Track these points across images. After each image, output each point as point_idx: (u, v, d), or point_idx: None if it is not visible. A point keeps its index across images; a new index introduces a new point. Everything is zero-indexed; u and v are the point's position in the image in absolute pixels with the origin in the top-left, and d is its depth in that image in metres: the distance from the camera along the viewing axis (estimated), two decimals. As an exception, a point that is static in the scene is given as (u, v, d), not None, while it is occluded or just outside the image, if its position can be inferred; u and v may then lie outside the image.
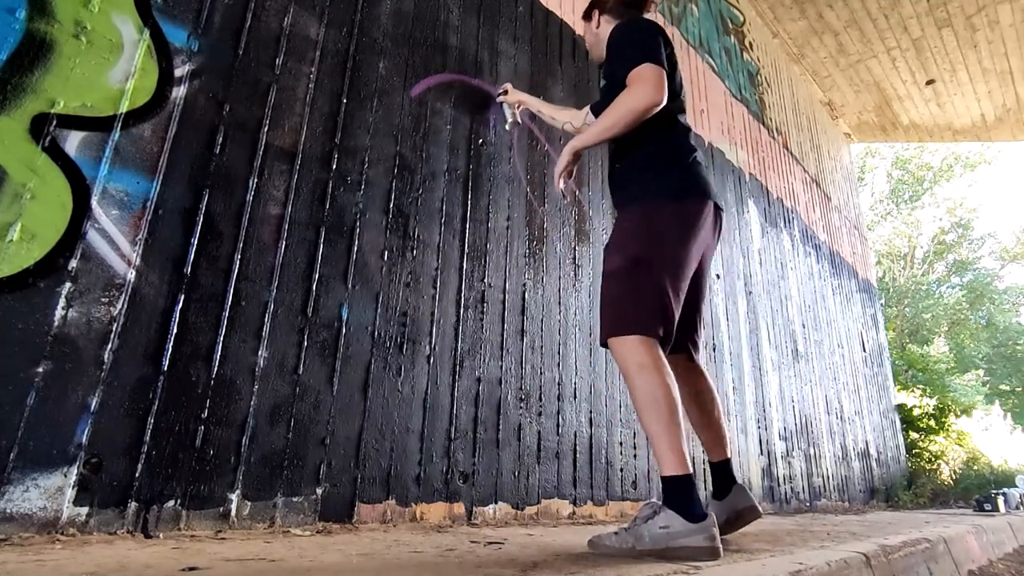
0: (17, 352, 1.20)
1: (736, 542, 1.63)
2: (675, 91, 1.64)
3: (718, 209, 1.63)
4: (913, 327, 18.40)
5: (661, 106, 1.49)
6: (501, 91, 2.44)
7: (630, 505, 2.63)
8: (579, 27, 2.03)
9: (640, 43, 1.57)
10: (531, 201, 2.64)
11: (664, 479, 1.33)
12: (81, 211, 1.34)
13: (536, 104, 2.40)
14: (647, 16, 1.82)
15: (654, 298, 1.42)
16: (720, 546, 1.26)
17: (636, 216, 1.53)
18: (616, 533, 1.33)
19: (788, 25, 6.03)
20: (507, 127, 2.28)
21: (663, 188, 1.54)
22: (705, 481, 3.10)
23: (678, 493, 1.29)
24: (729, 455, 1.68)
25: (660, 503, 1.31)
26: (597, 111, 1.76)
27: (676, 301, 1.46)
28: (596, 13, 1.88)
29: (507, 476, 2.15)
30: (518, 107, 2.45)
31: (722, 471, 1.66)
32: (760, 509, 1.62)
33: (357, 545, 1.30)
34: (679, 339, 1.59)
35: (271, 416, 1.58)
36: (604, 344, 1.46)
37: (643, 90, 1.47)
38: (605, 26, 1.84)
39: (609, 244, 1.56)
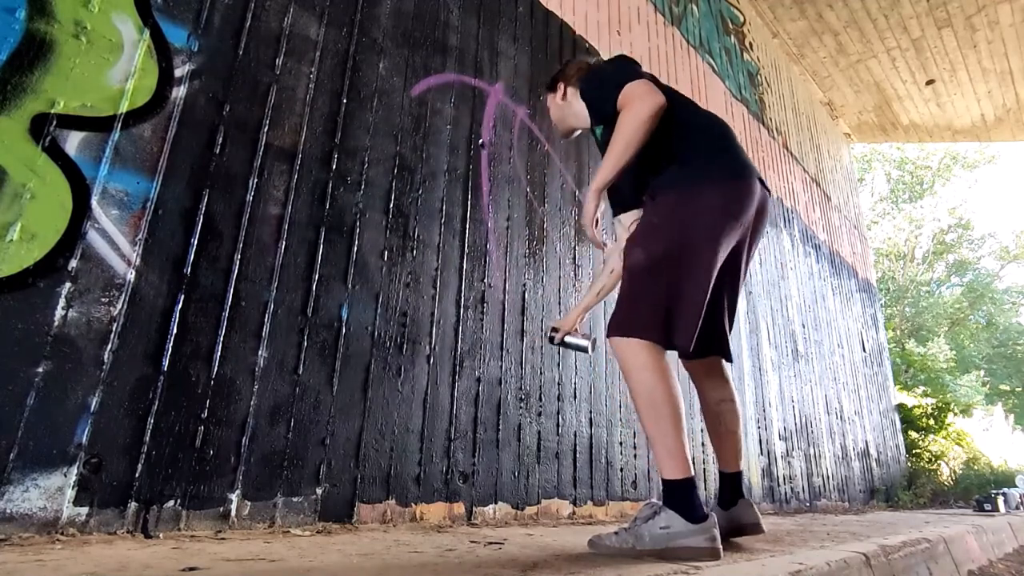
0: (17, 352, 1.20)
1: (736, 542, 1.63)
2: (682, 104, 1.56)
3: (764, 188, 1.51)
4: (913, 327, 18.40)
5: (664, 106, 1.40)
6: (550, 335, 1.91)
7: (630, 505, 2.63)
8: (549, 100, 1.83)
9: (613, 74, 1.51)
10: (531, 201, 2.64)
11: (664, 482, 1.31)
12: (81, 211, 1.34)
13: (586, 303, 1.93)
14: None
15: (668, 303, 1.34)
16: (721, 547, 1.24)
17: (667, 207, 1.43)
18: (616, 533, 1.32)
19: (788, 25, 6.02)
20: (590, 352, 1.85)
21: (703, 171, 1.44)
22: (706, 481, 3.09)
23: (679, 495, 1.27)
24: (741, 469, 1.65)
25: (660, 503, 1.30)
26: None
27: (693, 307, 1.35)
28: (561, 85, 1.77)
29: (507, 476, 2.15)
30: (575, 327, 1.90)
31: (732, 482, 1.63)
32: (764, 527, 1.59)
33: (357, 545, 1.30)
34: (706, 344, 1.52)
35: (271, 416, 1.58)
36: (609, 336, 1.40)
37: (637, 103, 1.40)
38: (573, 95, 1.72)
39: (632, 236, 1.48)
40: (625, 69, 1.52)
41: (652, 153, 1.47)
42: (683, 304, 1.34)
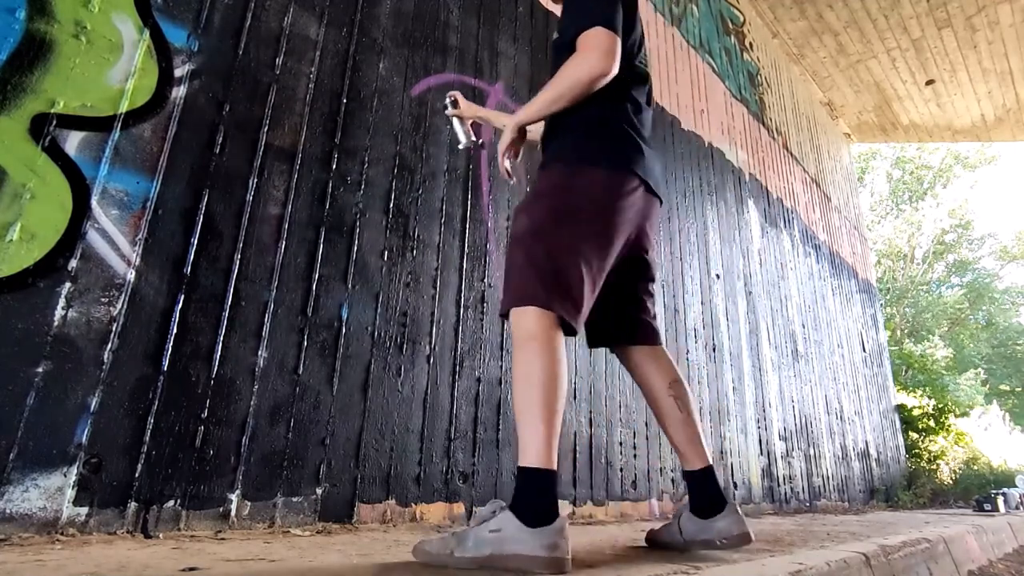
0: (17, 352, 1.20)
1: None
2: (632, 60, 1.44)
3: (654, 195, 1.41)
4: (913, 327, 18.41)
5: (610, 77, 1.29)
6: (449, 100, 1.85)
7: (630, 505, 2.63)
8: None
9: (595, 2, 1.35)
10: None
11: (520, 470, 1.07)
12: (81, 211, 1.35)
13: (497, 119, 1.88)
14: None
15: (562, 268, 1.22)
16: (566, 557, 1.00)
17: (555, 177, 1.33)
18: (443, 536, 1.10)
19: (788, 25, 6.03)
20: (460, 147, 1.82)
21: (591, 153, 1.33)
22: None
23: (529, 490, 1.05)
24: (711, 462, 1.38)
25: (505, 503, 1.08)
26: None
27: (591, 277, 1.25)
28: None
29: (507, 476, 2.15)
30: (470, 123, 1.89)
31: (705, 482, 1.35)
32: (753, 538, 1.31)
33: (357, 545, 1.30)
34: (630, 328, 1.43)
35: (271, 416, 1.58)
36: (504, 316, 1.24)
37: (590, 59, 1.28)
38: None
39: (520, 205, 1.37)
40: (609, 6, 1.34)
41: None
42: (569, 273, 1.22)
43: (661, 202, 1.46)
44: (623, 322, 1.46)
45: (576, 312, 1.22)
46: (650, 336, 1.46)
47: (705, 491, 1.34)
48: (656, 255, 1.55)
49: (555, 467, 1.08)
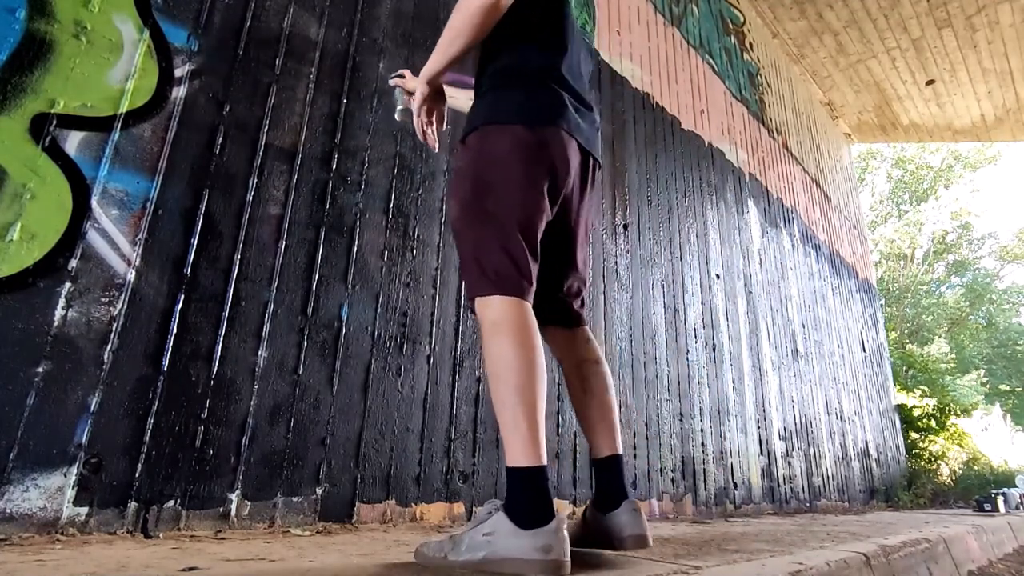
0: (17, 352, 1.20)
1: (736, 542, 1.63)
2: (549, 7, 1.29)
3: (585, 152, 1.27)
4: (913, 327, 18.41)
5: (499, 8, 1.16)
6: (397, 74, 1.65)
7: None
8: None
9: None
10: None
11: (508, 471, 1.01)
12: (81, 211, 1.35)
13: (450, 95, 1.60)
14: None
15: (502, 248, 1.14)
16: (563, 559, 0.94)
17: (470, 151, 1.21)
18: (441, 540, 1.06)
19: (788, 25, 6.03)
20: (397, 116, 1.65)
21: (499, 111, 1.20)
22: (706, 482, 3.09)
23: (520, 490, 0.99)
24: (620, 451, 1.28)
25: (500, 503, 1.02)
26: None
27: (528, 247, 1.16)
28: None
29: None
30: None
31: (609, 472, 1.26)
32: (650, 540, 1.18)
33: (357, 545, 1.30)
34: (547, 303, 1.30)
35: (271, 416, 1.58)
36: (472, 312, 1.17)
37: None
38: None
39: (448, 188, 1.30)
40: None
41: (485, 55, 1.27)
42: (511, 252, 1.14)
43: (597, 162, 1.31)
44: (550, 291, 1.31)
45: (530, 286, 1.14)
46: (565, 318, 1.34)
47: (607, 481, 1.25)
48: (593, 224, 1.33)
49: (544, 462, 1.01)
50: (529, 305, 1.13)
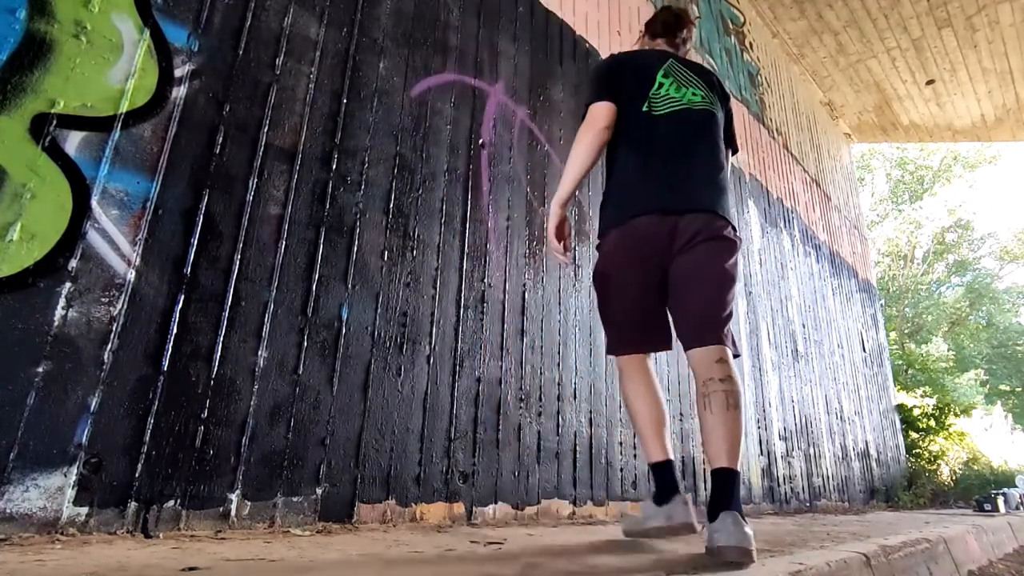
0: (17, 352, 1.20)
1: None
2: (635, 105, 1.64)
3: (663, 213, 1.51)
4: (913, 327, 18.41)
5: (602, 138, 1.61)
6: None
7: (630, 505, 2.63)
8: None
9: (590, 84, 1.72)
10: (531, 201, 2.64)
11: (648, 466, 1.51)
12: (81, 211, 1.34)
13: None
14: (656, 42, 1.87)
15: (611, 325, 1.64)
16: (685, 522, 1.39)
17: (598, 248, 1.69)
18: (635, 515, 1.53)
19: (788, 25, 6.02)
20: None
21: (600, 225, 1.66)
22: (705, 482, 3.09)
23: (651, 480, 1.48)
24: (725, 464, 1.47)
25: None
26: None
27: (627, 317, 1.61)
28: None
29: (507, 476, 2.15)
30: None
31: (713, 484, 1.47)
32: (754, 554, 1.30)
33: (357, 545, 1.30)
34: (651, 337, 1.64)
35: (271, 416, 1.58)
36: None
37: (583, 129, 1.63)
38: None
39: None
40: (598, 85, 1.67)
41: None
42: (615, 323, 1.63)
43: (679, 211, 1.52)
44: (651, 332, 1.65)
45: (630, 346, 1.60)
46: (663, 342, 1.65)
47: (710, 493, 1.50)
48: (709, 257, 1.53)
49: (655, 460, 1.50)
50: (634, 356, 1.61)
